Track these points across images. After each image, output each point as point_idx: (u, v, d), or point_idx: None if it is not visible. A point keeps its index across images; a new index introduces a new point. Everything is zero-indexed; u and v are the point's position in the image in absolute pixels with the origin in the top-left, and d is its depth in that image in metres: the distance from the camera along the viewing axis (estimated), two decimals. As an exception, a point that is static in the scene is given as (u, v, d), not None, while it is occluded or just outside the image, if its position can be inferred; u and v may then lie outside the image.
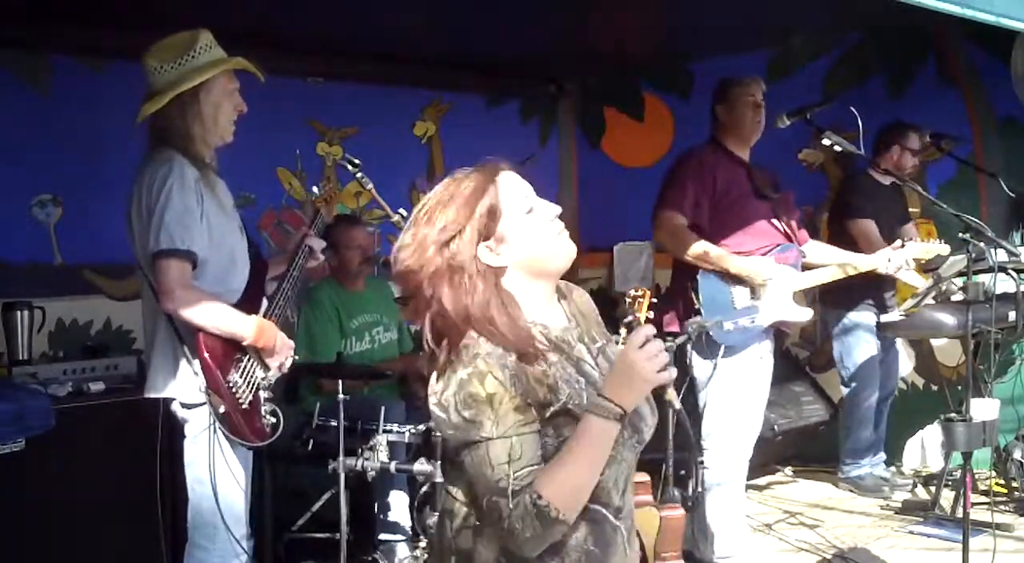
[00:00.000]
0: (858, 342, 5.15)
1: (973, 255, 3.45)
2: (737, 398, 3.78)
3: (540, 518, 1.70)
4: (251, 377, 2.93)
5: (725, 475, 3.83)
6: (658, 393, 1.83)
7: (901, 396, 5.46)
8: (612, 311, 2.05)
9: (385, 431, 3.84)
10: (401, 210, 3.22)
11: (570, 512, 1.73)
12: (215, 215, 2.92)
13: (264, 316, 3.00)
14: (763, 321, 3.76)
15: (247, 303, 2.98)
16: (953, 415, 3.44)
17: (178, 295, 2.78)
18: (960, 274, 3.68)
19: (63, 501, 3.68)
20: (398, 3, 4.44)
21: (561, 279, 1.97)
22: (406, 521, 4.16)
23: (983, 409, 3.37)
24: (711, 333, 3.66)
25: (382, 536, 4.16)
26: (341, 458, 3.62)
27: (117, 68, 4.51)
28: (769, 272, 3.75)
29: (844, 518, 4.81)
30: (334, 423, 3.72)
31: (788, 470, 5.62)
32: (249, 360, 2.93)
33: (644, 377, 1.73)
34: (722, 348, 3.70)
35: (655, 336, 1.75)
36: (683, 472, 3.69)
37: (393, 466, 3.68)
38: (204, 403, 2.84)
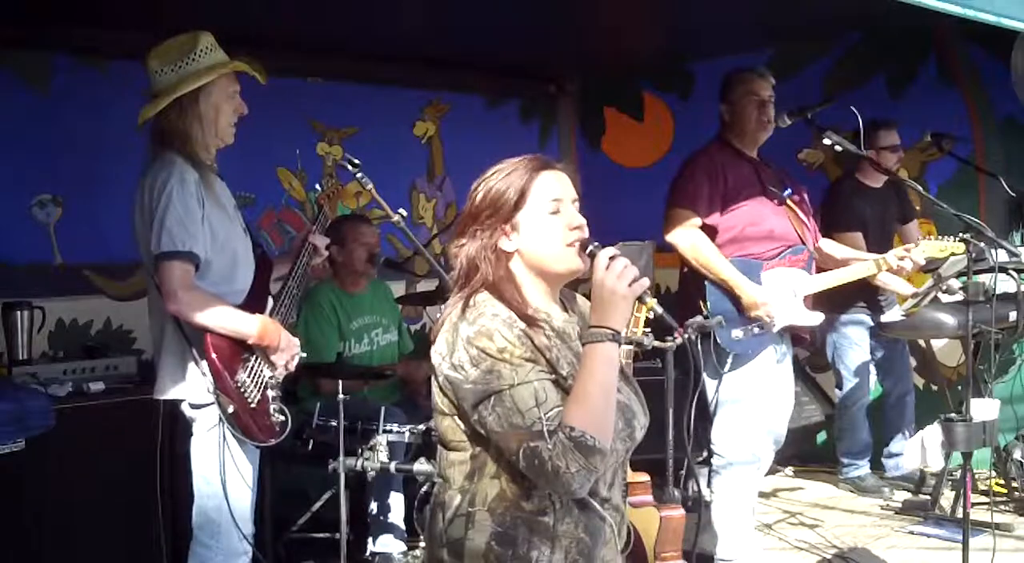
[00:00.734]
0: (849, 345, 5.16)
1: (973, 255, 3.45)
2: (748, 404, 3.72)
3: (580, 448, 1.75)
4: (259, 376, 2.95)
5: (736, 480, 3.77)
6: (641, 300, 1.89)
7: (879, 394, 5.46)
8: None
9: (385, 431, 3.84)
10: (401, 210, 3.22)
11: (604, 438, 1.78)
12: (217, 216, 2.94)
13: (269, 315, 3.02)
14: (773, 328, 3.70)
15: (252, 303, 2.99)
16: (953, 415, 3.44)
17: (181, 296, 2.80)
18: (960, 274, 3.67)
19: (63, 501, 3.68)
20: (398, 3, 4.44)
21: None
22: (403, 522, 4.16)
23: (983, 409, 3.37)
24: (717, 339, 3.61)
25: (380, 536, 4.16)
26: (341, 458, 3.63)
27: (117, 68, 4.52)
28: (762, 296, 3.63)
29: (844, 518, 4.81)
30: (334, 423, 3.72)
31: (788, 470, 5.62)
32: (256, 360, 2.95)
33: (621, 293, 1.82)
34: (731, 356, 3.65)
35: (616, 254, 1.85)
36: (683, 472, 3.68)
37: (393, 466, 3.68)
38: (212, 403, 2.86)
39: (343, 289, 4.51)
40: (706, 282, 3.69)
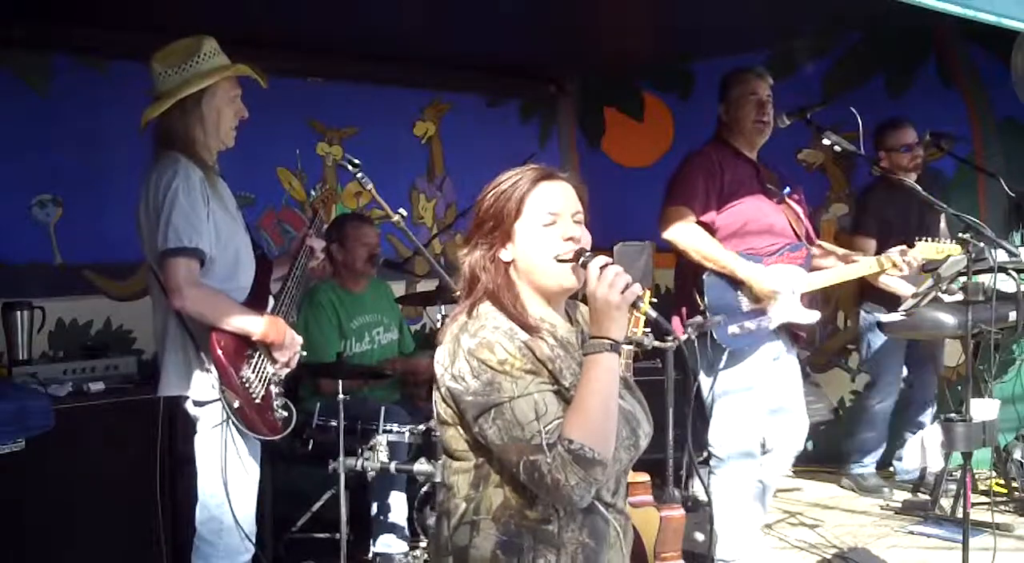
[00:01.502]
0: (877, 338, 5.07)
1: (973, 255, 3.45)
2: (743, 400, 3.72)
3: (579, 461, 1.75)
4: (262, 372, 2.97)
5: (733, 478, 3.77)
6: (635, 306, 1.87)
7: (901, 396, 5.46)
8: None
9: (385, 431, 3.84)
10: (401, 210, 3.22)
11: (604, 450, 1.78)
12: (220, 215, 2.96)
13: (271, 313, 3.03)
14: (770, 324, 3.71)
15: (254, 302, 3.01)
16: (953, 415, 3.44)
17: (187, 292, 2.82)
18: (960, 274, 3.67)
19: (63, 501, 3.68)
20: (398, 3, 4.44)
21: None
22: (405, 522, 4.16)
23: (983, 409, 3.37)
24: (714, 335, 3.61)
25: (381, 536, 4.16)
26: (341, 458, 3.63)
27: (117, 68, 4.52)
28: (774, 284, 3.66)
29: (844, 518, 4.81)
30: (334, 423, 3.72)
31: (788, 470, 5.61)
32: (259, 356, 2.97)
33: (614, 303, 1.81)
34: (726, 353, 3.65)
35: (607, 263, 1.83)
36: (683, 472, 3.68)
37: (393, 466, 3.69)
38: (217, 400, 2.87)
39: (343, 288, 4.52)
40: (703, 277, 3.69)
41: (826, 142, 3.68)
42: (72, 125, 4.50)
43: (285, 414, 3.02)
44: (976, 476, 4.48)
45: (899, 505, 4.90)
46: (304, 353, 3.14)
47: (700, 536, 4.24)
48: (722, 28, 5.11)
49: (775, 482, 4.02)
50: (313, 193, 3.47)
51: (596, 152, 6.73)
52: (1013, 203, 5.03)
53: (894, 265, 3.80)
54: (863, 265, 3.92)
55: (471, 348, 1.81)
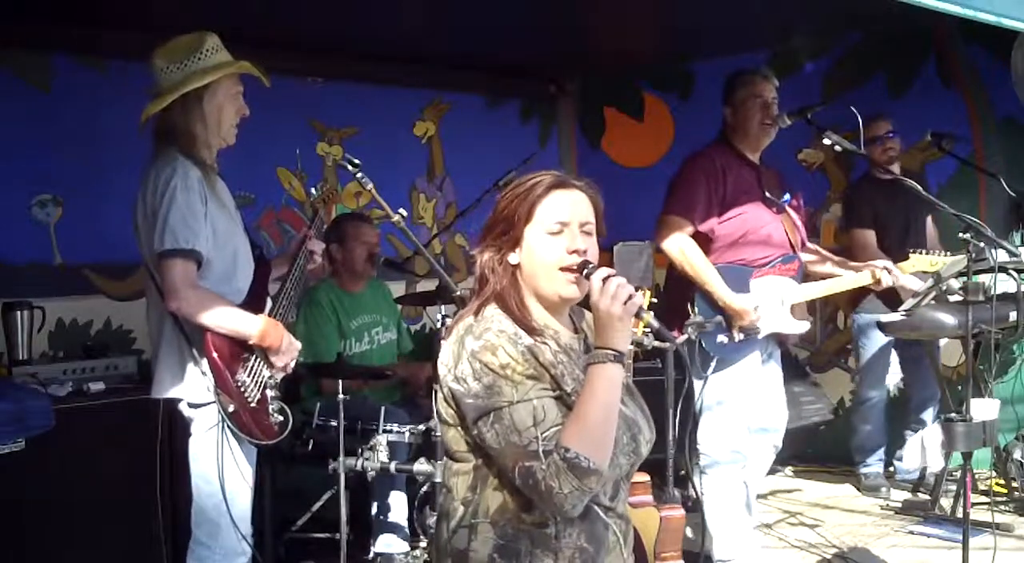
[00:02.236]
0: (866, 343, 5.16)
1: (973, 255, 3.45)
2: (732, 405, 3.75)
3: (574, 470, 1.75)
4: (258, 376, 2.95)
5: (723, 479, 3.79)
6: (637, 317, 1.88)
7: (899, 395, 5.46)
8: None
9: (385, 431, 3.84)
10: (401, 210, 3.21)
11: (601, 460, 1.78)
12: (218, 216, 2.93)
13: (269, 316, 3.01)
14: (758, 334, 3.73)
15: (252, 303, 2.99)
16: (953, 415, 3.44)
17: (184, 295, 2.79)
18: (960, 274, 3.67)
19: (63, 501, 3.68)
20: (398, 3, 4.44)
21: None
22: (405, 522, 4.16)
23: (983, 409, 3.37)
24: (703, 343, 3.65)
25: (381, 536, 4.16)
26: (341, 458, 3.63)
27: (118, 68, 4.52)
28: (753, 317, 3.67)
29: (844, 518, 4.81)
30: (334, 423, 3.72)
31: (788, 470, 5.62)
32: (256, 359, 2.95)
33: (617, 315, 1.81)
34: (714, 363, 3.68)
35: (610, 274, 1.83)
36: (683, 472, 3.68)
37: (393, 466, 3.68)
38: (212, 402, 2.85)
39: (342, 288, 4.52)
40: (696, 292, 3.71)
41: (826, 142, 3.68)
42: (72, 125, 4.50)
43: (281, 418, 3.00)
44: (976, 476, 4.48)
45: (899, 505, 4.91)
46: (301, 359, 3.13)
47: (691, 533, 4.24)
48: (722, 28, 5.11)
49: (758, 482, 4.03)
50: (314, 192, 3.45)
51: (596, 152, 6.74)
52: (1013, 203, 5.04)
53: (878, 282, 3.88)
54: (851, 279, 3.95)
55: (475, 350, 1.82)
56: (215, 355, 2.81)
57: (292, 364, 3.05)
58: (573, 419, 1.79)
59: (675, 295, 3.79)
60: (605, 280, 1.82)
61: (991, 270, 3.58)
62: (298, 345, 3.06)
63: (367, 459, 3.68)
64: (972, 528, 3.37)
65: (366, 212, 5.18)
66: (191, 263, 2.82)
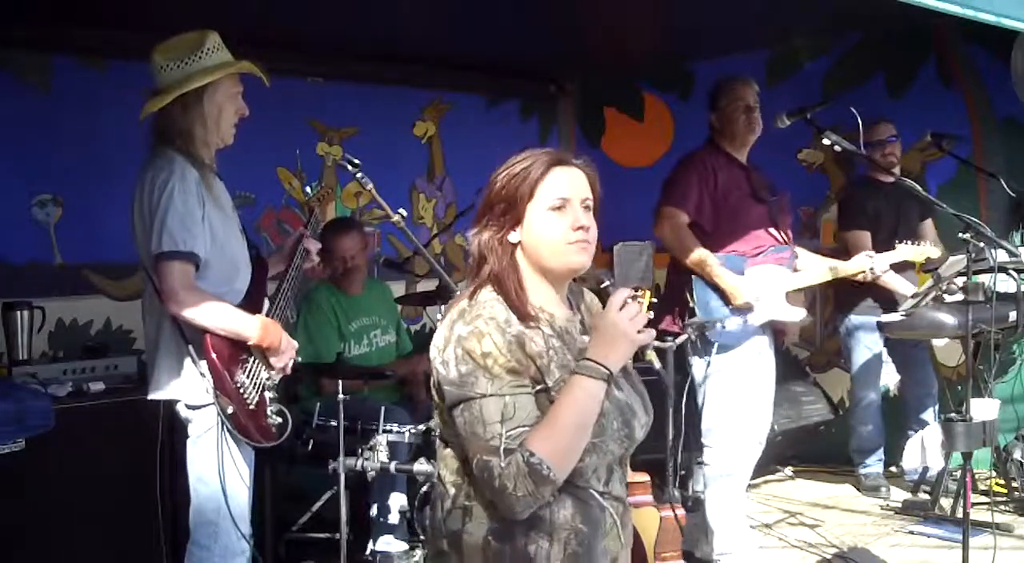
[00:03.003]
0: (857, 344, 5.19)
1: (973, 255, 3.45)
2: (735, 395, 3.82)
3: (533, 476, 1.74)
4: (257, 378, 2.94)
5: (725, 472, 3.85)
6: (638, 354, 1.89)
7: (899, 395, 5.46)
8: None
9: (385, 431, 3.84)
10: (401, 210, 3.22)
11: (561, 471, 1.77)
12: (216, 216, 2.93)
13: (266, 316, 3.00)
14: (755, 321, 3.81)
15: (250, 303, 2.98)
16: (953, 415, 3.44)
17: (182, 297, 2.78)
18: (960, 274, 3.68)
19: (63, 501, 3.68)
20: (398, 3, 4.44)
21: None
22: (405, 522, 4.16)
23: (983, 409, 3.37)
24: (706, 334, 3.75)
25: (381, 536, 4.16)
26: (341, 458, 3.62)
27: (118, 68, 4.52)
28: (751, 295, 3.79)
29: (844, 518, 4.81)
30: (334, 423, 3.72)
31: (788, 470, 5.62)
32: (254, 361, 2.94)
33: (626, 336, 1.81)
34: (715, 346, 3.77)
35: (632, 298, 1.83)
36: (683, 472, 3.69)
37: (393, 466, 3.68)
38: (210, 404, 2.84)
39: (341, 291, 4.51)
40: (692, 274, 3.82)
41: (826, 142, 3.69)
42: (72, 125, 4.50)
43: (279, 421, 2.99)
44: (976, 476, 4.48)
45: (899, 505, 4.90)
46: (299, 359, 3.12)
47: (693, 530, 4.25)
48: (722, 28, 5.11)
49: (746, 474, 4.05)
50: (309, 191, 3.44)
51: (596, 152, 6.72)
52: (1013, 203, 5.04)
53: (862, 272, 4.11)
54: (842, 266, 4.15)
55: (461, 336, 1.82)
56: (214, 356, 2.81)
57: (290, 365, 3.05)
58: (545, 423, 1.78)
59: (676, 281, 3.91)
60: (627, 301, 1.83)
61: (991, 270, 3.59)
62: (296, 345, 3.06)
63: (367, 459, 3.68)
64: (972, 528, 3.38)
65: (366, 212, 5.18)
66: (188, 265, 2.81)
